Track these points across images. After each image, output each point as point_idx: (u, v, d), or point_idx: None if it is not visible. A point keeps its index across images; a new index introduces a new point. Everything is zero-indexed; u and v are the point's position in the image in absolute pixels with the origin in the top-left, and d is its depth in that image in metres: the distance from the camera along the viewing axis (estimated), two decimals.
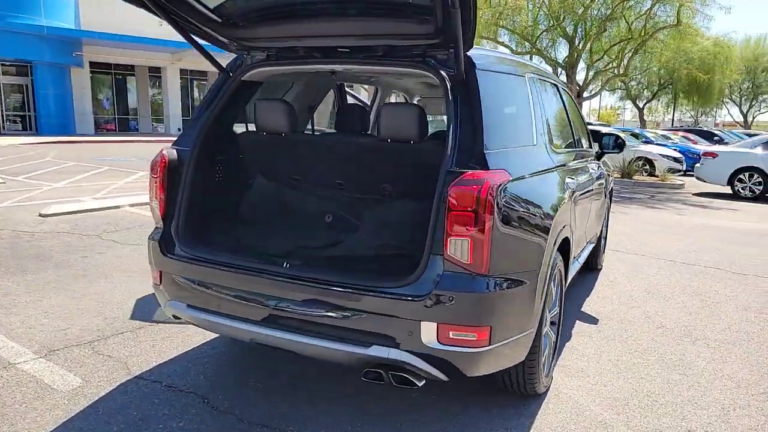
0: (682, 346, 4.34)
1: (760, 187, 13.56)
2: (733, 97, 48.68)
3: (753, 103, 49.37)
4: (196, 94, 36.63)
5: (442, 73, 2.84)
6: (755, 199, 13.62)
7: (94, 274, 5.57)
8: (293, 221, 3.46)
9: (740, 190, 13.81)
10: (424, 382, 2.71)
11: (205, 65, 32.69)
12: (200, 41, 3.28)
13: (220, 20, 3.13)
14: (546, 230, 2.97)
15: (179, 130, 33.48)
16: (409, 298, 2.57)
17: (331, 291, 2.68)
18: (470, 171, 2.59)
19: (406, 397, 3.34)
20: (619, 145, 5.70)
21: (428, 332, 2.57)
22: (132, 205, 9.20)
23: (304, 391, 3.40)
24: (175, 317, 3.23)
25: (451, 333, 2.57)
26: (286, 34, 3.11)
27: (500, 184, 2.59)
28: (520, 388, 3.22)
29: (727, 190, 14.16)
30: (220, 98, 3.33)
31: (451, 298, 2.54)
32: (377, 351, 2.62)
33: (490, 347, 2.63)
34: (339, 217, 3.43)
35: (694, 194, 14.63)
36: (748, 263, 7.04)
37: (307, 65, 3.23)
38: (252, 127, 3.79)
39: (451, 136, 2.70)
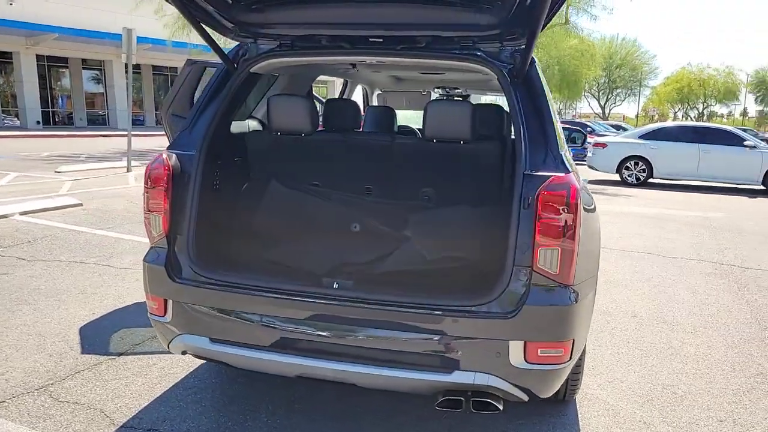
0: (664, 334, 4.49)
1: (644, 174, 14.82)
2: (593, 91, 53.24)
3: (609, 96, 54.50)
4: (57, 83, 33.25)
5: (500, 67, 2.61)
6: (640, 185, 14.87)
7: (10, 301, 4.68)
8: (320, 233, 3.06)
9: (627, 177, 15.00)
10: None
11: (68, 50, 29.80)
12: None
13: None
14: (599, 233, 2.86)
15: (38, 123, 30.17)
16: (498, 317, 2.33)
17: (404, 313, 2.36)
18: (554, 174, 2.39)
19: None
20: (572, 139, 5.82)
21: (516, 352, 2.35)
22: (24, 213, 7.98)
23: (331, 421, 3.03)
24: (188, 354, 2.72)
25: (539, 350, 2.37)
26: (309, 19, 2.71)
27: (581, 188, 2.43)
28: (566, 395, 3.10)
29: (615, 177, 15.32)
30: (227, 93, 2.85)
31: (541, 314, 2.34)
32: (461, 377, 2.36)
33: (570, 362, 2.47)
34: (373, 226, 3.08)
35: (589, 182, 15.63)
36: (670, 246, 7.57)
37: (331, 56, 2.85)
38: (248, 123, 3.31)
39: (522, 136, 2.48)
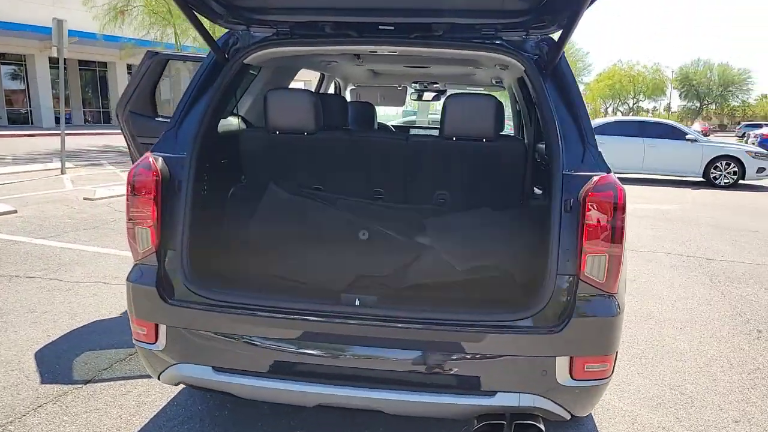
0: (656, 330, 4.45)
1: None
2: None
3: None
4: None
5: (528, 58, 2.41)
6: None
7: None
8: (330, 243, 2.76)
9: None
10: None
11: None
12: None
13: None
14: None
15: None
16: (543, 331, 2.12)
17: (439, 331, 2.12)
18: (596, 173, 2.20)
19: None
20: None
21: (563, 369, 2.16)
22: None
23: None
24: (183, 385, 2.38)
25: (586, 366, 2.18)
26: (311, 4, 2.42)
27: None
28: None
29: None
30: (218, 88, 2.51)
31: (588, 326, 2.15)
32: (504, 399, 2.14)
33: (612, 376, 2.30)
34: (389, 234, 2.81)
35: None
36: (634, 239, 7.66)
37: (335, 46, 2.56)
38: (231, 121, 2.97)
39: (557, 134, 2.28)
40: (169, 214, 2.36)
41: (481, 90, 5.87)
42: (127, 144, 4.40)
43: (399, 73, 5.01)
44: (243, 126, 3.22)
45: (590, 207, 2.11)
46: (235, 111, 3.22)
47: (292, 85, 4.15)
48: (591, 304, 2.17)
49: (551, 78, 2.40)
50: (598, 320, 2.16)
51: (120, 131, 4.47)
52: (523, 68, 2.41)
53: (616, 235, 2.13)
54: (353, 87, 5.50)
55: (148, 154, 2.43)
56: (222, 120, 2.78)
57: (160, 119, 4.31)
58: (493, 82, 5.07)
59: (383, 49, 2.60)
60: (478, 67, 3.97)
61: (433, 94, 5.95)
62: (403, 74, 5.11)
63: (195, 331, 2.30)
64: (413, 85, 5.57)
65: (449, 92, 4.73)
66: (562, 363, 2.15)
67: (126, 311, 3.26)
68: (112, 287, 5.03)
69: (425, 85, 5.46)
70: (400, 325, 2.14)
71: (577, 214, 2.16)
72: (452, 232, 2.57)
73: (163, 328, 2.34)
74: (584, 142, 2.31)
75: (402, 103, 6.15)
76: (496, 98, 2.59)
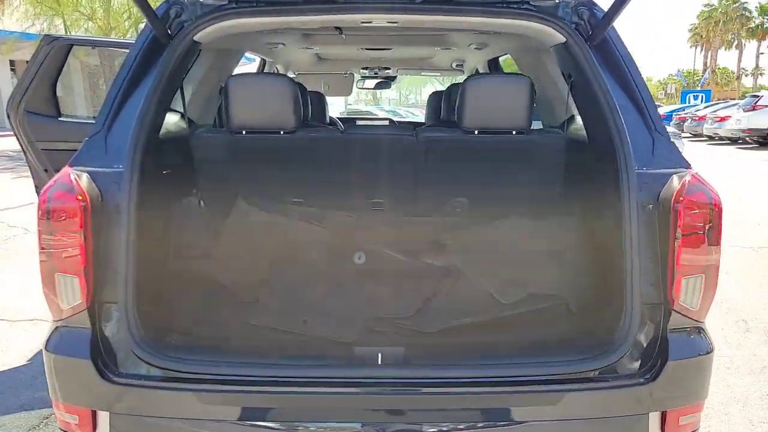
0: None
1: None
2: None
3: None
4: None
5: (568, 26, 1.90)
6: None
7: None
8: (323, 274, 2.13)
9: None
10: None
11: None
12: None
13: None
14: None
15: None
16: (631, 383, 1.65)
17: (495, 394, 1.60)
18: (681, 170, 1.75)
19: None
20: None
21: (654, 426, 1.69)
22: None
23: None
24: None
25: (680, 419, 1.73)
26: None
27: None
28: None
29: None
30: (161, 75, 1.83)
31: (685, 370, 1.70)
32: None
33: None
34: (400, 259, 2.21)
35: None
36: None
37: (318, 15, 1.93)
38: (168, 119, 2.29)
39: (617, 121, 1.80)
40: (104, 252, 1.67)
41: (436, 74, 5.36)
42: (24, 151, 3.50)
43: (349, 57, 4.39)
44: (184, 125, 2.52)
45: (683, 215, 1.64)
46: (173, 105, 2.50)
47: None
48: (684, 340, 1.72)
49: (598, 51, 1.91)
50: (694, 361, 1.71)
51: (12, 133, 3.56)
52: (564, 39, 1.89)
53: (714, 250, 1.68)
54: (294, 75, 4.81)
55: (66, 169, 1.70)
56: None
57: (65, 119, 3.47)
58: (454, 65, 4.57)
59: (380, 18, 1.99)
60: (454, 46, 3.45)
61: (379, 81, 5.39)
62: (352, 59, 4.50)
63: (153, 419, 1.63)
64: (362, 71, 4.96)
65: (467, 74, 4.17)
66: (654, 420, 1.68)
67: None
68: (13, 325, 4.09)
69: (376, 71, 4.87)
70: (440, 391, 1.59)
71: (659, 224, 1.69)
72: (483, 251, 2.02)
73: (104, 417, 1.66)
74: (651, 129, 1.85)
75: (348, 91, 5.53)
76: (528, 79, 2.06)
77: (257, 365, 1.64)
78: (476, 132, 2.06)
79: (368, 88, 5.64)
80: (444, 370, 1.64)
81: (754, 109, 17.02)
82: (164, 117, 2.05)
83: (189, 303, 2.01)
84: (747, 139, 17.78)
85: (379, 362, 1.70)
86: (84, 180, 1.67)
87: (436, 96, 3.62)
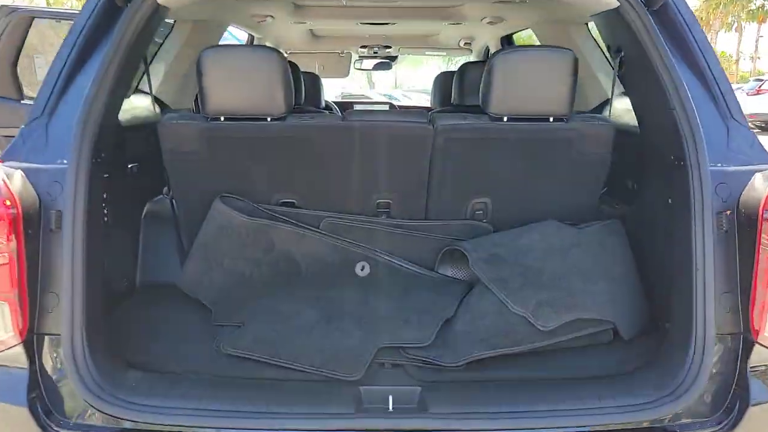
0: None
1: None
2: None
3: None
4: None
5: None
6: None
7: None
8: (318, 291, 1.78)
9: None
10: None
11: None
12: None
13: None
14: None
15: None
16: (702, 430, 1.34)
17: None
18: (765, 170, 1.42)
19: None
20: None
21: None
22: None
23: None
24: None
25: None
26: None
27: None
28: None
29: None
30: (117, 46, 1.47)
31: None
32: None
33: None
34: (400, 269, 1.85)
35: None
36: None
37: None
38: (134, 102, 1.94)
39: (685, 105, 1.46)
40: (44, 272, 1.34)
41: (441, 53, 4.97)
42: None
43: (346, 34, 3.99)
44: (158, 110, 2.16)
45: None
46: (140, 86, 2.14)
47: None
48: (765, 380, 1.40)
49: (657, 17, 1.56)
50: None
51: None
52: (616, 3, 1.53)
53: None
54: (286, 54, 4.41)
55: None
56: (124, 101, 1.72)
57: (29, 102, 3.11)
58: (462, 44, 4.18)
59: None
60: (464, 20, 3.07)
61: (378, 61, 4.99)
62: (349, 36, 4.10)
63: None
64: (360, 50, 4.56)
65: (496, 49, 3.76)
66: None
67: None
68: None
69: (375, 50, 4.47)
70: None
71: (738, 235, 1.38)
72: (514, 263, 1.66)
73: None
74: (725, 116, 1.52)
75: (345, 72, 5.13)
76: (572, 53, 1.70)
77: (239, 415, 1.31)
78: (505, 119, 1.70)
79: (366, 69, 5.24)
80: (471, 420, 1.32)
81: (758, 93, 16.67)
82: (124, 99, 1.69)
83: (155, 332, 1.67)
84: (751, 124, 17.47)
85: (390, 408, 1.38)
86: (16, 180, 1.32)
87: (445, 78, 3.24)
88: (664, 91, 1.49)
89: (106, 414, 1.31)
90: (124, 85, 1.64)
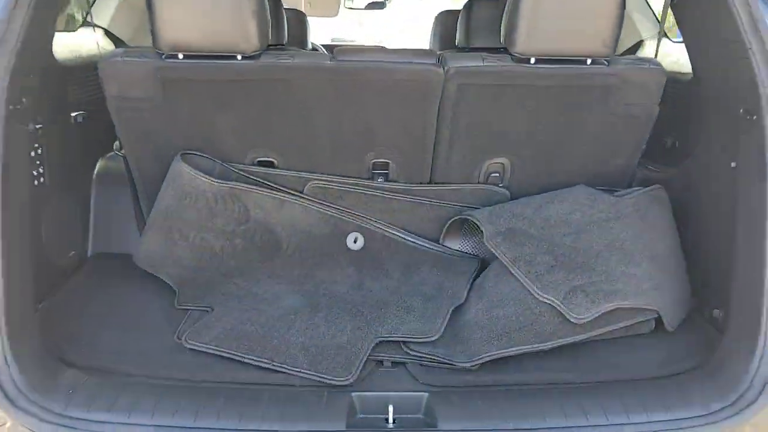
0: None
1: None
2: None
3: None
4: None
5: None
6: None
7: None
8: (296, 267, 1.48)
9: None
10: None
11: None
12: None
13: None
14: None
15: None
16: None
17: None
18: None
19: None
20: None
21: None
22: None
23: None
24: None
25: None
26: None
27: None
28: None
29: None
30: None
31: None
32: None
33: None
34: (400, 242, 1.55)
35: None
36: None
37: None
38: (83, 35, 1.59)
39: (765, 47, 1.15)
40: None
41: None
42: None
43: None
44: (110, 46, 1.79)
45: None
46: (88, 17, 1.77)
47: None
48: None
49: None
50: None
51: None
52: None
53: None
54: None
55: None
56: (64, 35, 1.37)
57: None
58: None
59: None
60: None
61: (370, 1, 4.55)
62: None
63: None
64: None
65: None
66: None
67: None
68: None
69: None
70: None
71: None
72: (538, 238, 1.36)
73: None
74: None
75: (335, 11, 4.68)
76: None
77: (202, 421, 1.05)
78: (533, 60, 1.37)
79: (358, 8, 4.79)
80: None
81: None
82: (53, 28, 1.34)
83: (104, 318, 1.37)
84: None
85: (390, 420, 1.11)
86: None
87: (447, 17, 2.85)
88: (737, 25, 1.17)
89: (45, 421, 1.04)
90: (52, 8, 1.29)
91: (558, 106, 1.46)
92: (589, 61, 1.39)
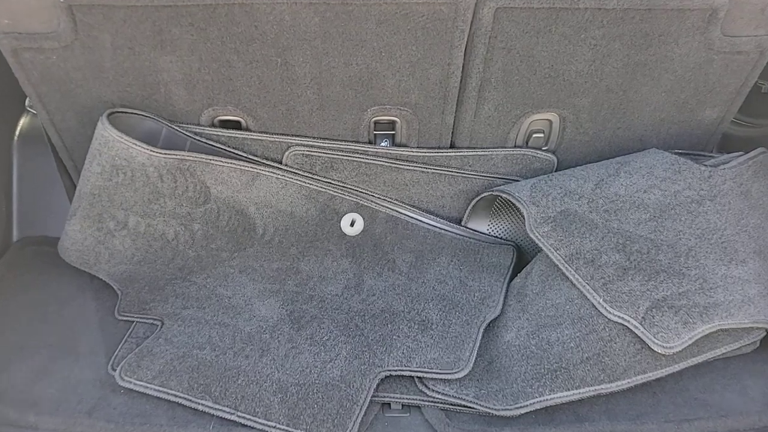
0: None
1: None
2: None
3: None
4: None
5: None
6: None
7: None
8: (275, 262, 1.12)
9: None
10: None
11: None
12: None
13: None
14: None
15: None
16: None
17: None
18: None
19: None
20: None
21: None
22: None
23: None
24: None
25: None
26: None
27: None
28: None
29: None
30: None
31: None
32: None
33: None
34: (410, 223, 1.18)
35: None
36: None
37: None
38: None
39: None
40: None
41: None
42: None
43: None
44: None
45: None
46: None
47: None
48: None
49: None
50: None
51: None
52: None
53: None
54: None
55: None
56: None
57: None
58: None
59: None
60: None
61: None
62: None
63: None
64: None
65: None
66: None
67: None
68: None
69: None
70: None
71: None
72: (605, 229, 0.98)
73: None
74: None
75: None
76: None
77: None
78: None
79: None
80: None
81: None
82: None
83: (16, 341, 1.02)
84: None
85: None
86: None
87: None
88: None
89: None
90: None
91: (635, 37, 1.04)
92: None
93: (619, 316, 0.92)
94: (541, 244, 1.04)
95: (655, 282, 0.94)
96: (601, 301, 0.93)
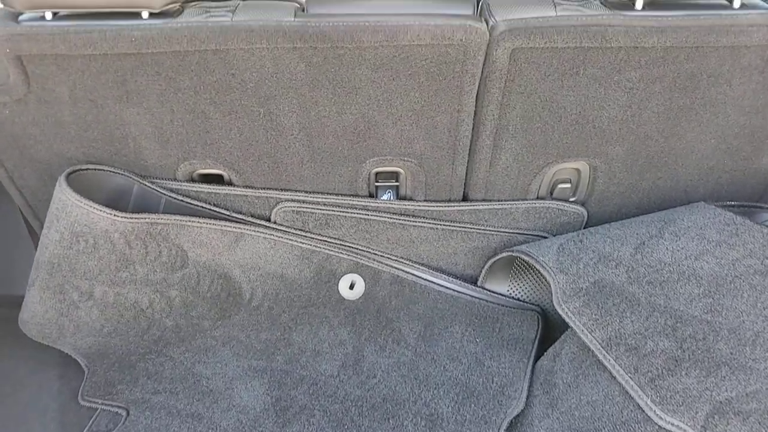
0: None
1: None
2: None
3: None
4: None
5: None
6: None
7: None
8: (263, 332, 0.98)
9: None
10: None
11: None
12: None
13: None
14: None
15: None
16: None
17: None
18: None
19: None
20: None
21: None
22: None
23: None
24: None
25: None
26: None
27: None
28: None
29: None
30: None
31: None
32: None
33: None
34: (418, 285, 1.03)
35: None
36: None
37: None
38: None
39: None
40: None
41: None
42: None
43: None
44: None
45: None
46: None
47: None
48: None
49: None
50: None
51: None
52: None
53: None
54: None
55: None
56: None
57: None
58: None
59: None
60: None
61: None
62: None
63: None
64: None
65: None
66: None
67: None
68: None
69: None
70: None
71: None
72: (648, 306, 0.82)
73: None
74: None
75: None
76: None
77: None
78: (639, 4, 0.80)
79: None
80: None
81: None
82: None
83: None
84: None
85: None
86: None
87: None
88: None
89: None
90: None
91: (679, 78, 0.88)
92: (737, 2, 0.81)
93: (672, 424, 0.74)
94: (572, 324, 0.87)
95: (716, 378, 0.77)
96: (648, 402, 0.76)
